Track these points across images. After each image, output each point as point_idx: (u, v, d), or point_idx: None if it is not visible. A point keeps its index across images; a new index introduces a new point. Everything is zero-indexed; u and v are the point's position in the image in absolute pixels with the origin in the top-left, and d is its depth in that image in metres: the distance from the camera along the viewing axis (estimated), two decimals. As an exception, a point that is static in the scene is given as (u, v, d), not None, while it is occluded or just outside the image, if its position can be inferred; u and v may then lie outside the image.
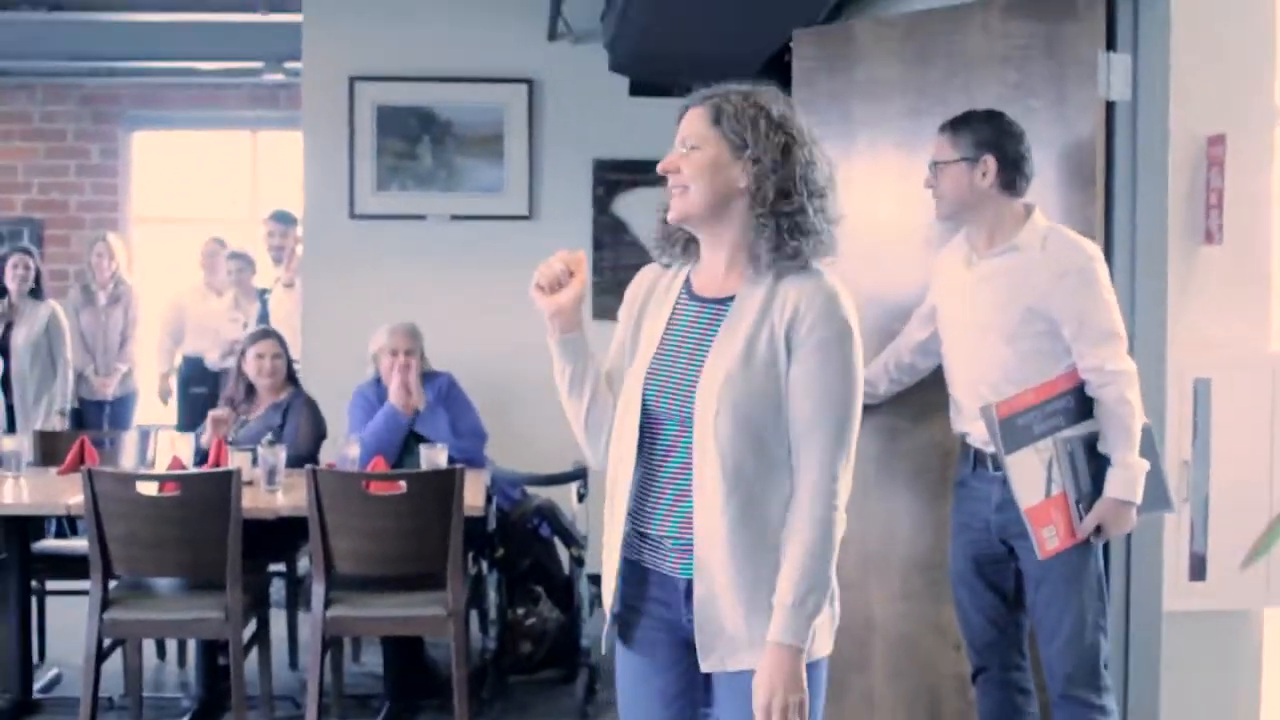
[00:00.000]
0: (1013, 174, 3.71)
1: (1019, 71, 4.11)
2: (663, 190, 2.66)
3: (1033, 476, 3.61)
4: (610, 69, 6.89)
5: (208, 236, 8.85)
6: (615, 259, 7.08)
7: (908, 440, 4.28)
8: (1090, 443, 3.62)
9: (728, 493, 2.50)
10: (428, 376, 5.93)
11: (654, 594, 2.66)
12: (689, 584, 2.58)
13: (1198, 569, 4.27)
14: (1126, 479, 3.57)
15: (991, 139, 3.71)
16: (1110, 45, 4.00)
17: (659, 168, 2.62)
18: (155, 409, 8.83)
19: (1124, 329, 3.63)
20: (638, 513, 2.65)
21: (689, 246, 2.71)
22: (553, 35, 6.97)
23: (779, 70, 5.26)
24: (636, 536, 2.67)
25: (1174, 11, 4.01)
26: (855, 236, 4.42)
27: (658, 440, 2.62)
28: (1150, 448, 3.68)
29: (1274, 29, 4.26)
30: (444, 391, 5.88)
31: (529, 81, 7.07)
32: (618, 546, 2.68)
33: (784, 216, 2.54)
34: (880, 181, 4.44)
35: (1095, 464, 3.62)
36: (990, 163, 3.69)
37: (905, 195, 4.33)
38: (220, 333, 8.19)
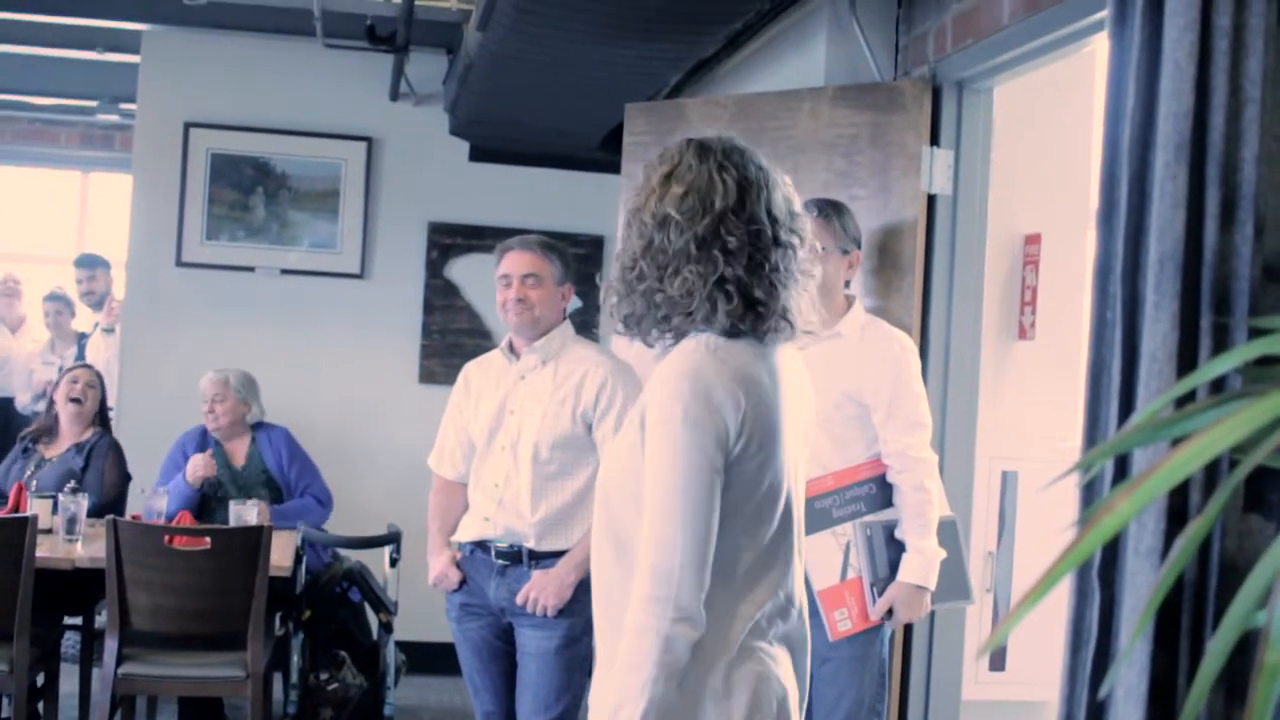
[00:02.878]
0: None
1: (845, 159, 4.19)
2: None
3: (828, 559, 3.66)
4: (450, 132, 6.89)
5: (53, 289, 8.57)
6: (445, 323, 7.03)
7: None
8: (890, 529, 3.69)
9: (593, 573, 2.35)
10: (260, 427, 5.85)
11: None
12: None
13: (998, 659, 4.35)
14: (920, 564, 3.62)
15: (858, 232, 3.81)
16: (934, 140, 4.09)
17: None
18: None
19: (929, 420, 3.70)
20: None
21: None
22: (394, 95, 6.94)
23: (617, 142, 5.30)
24: None
25: (996, 112, 4.13)
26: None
27: None
28: (953, 539, 3.76)
29: (1091, 134, 4.40)
30: (278, 445, 5.79)
31: (368, 139, 7.01)
32: None
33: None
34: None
35: (894, 550, 3.68)
36: (858, 256, 3.80)
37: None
38: (34, 375, 7.93)
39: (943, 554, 3.66)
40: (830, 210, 3.76)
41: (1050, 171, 4.41)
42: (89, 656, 5.59)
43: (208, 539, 4.72)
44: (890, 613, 3.66)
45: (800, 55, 4.79)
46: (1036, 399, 4.37)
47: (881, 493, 3.70)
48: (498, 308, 3.97)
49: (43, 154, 9.77)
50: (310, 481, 5.77)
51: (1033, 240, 4.40)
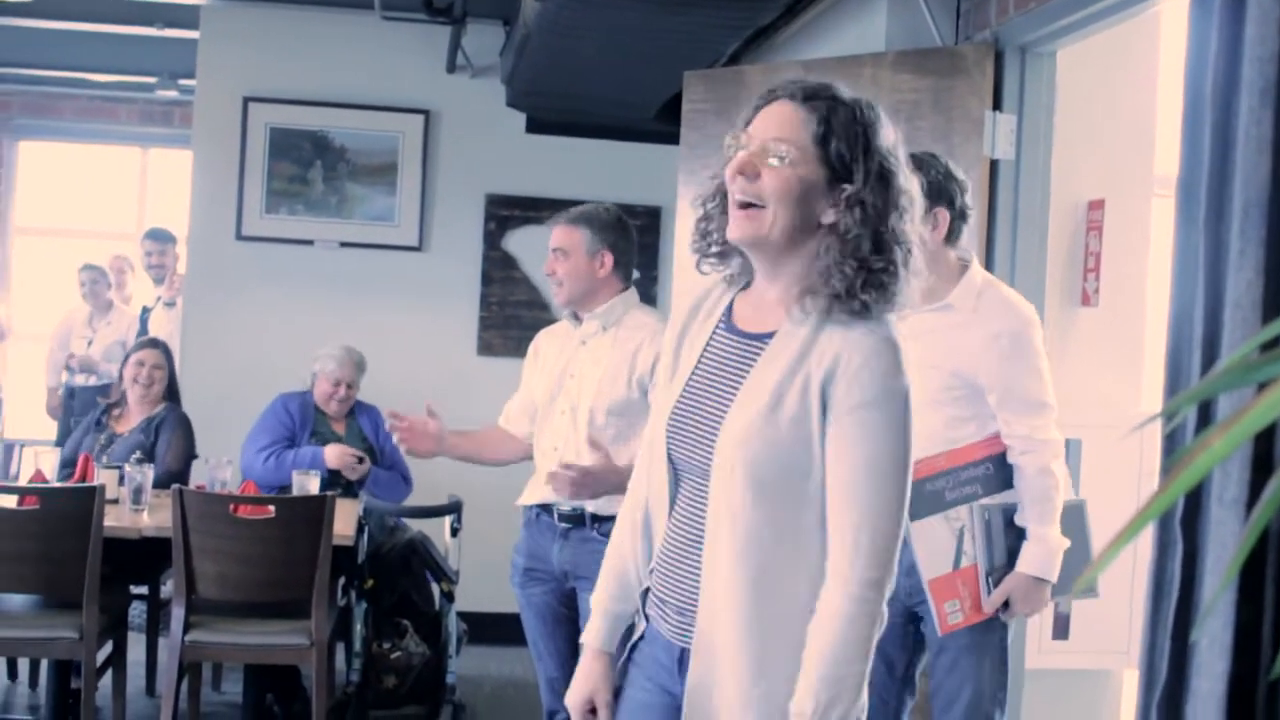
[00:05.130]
0: (959, 224, 3.44)
1: (907, 124, 4.14)
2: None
3: (940, 546, 3.39)
4: (507, 104, 6.89)
5: (88, 261, 8.66)
6: (503, 295, 7.05)
7: None
8: (1010, 514, 3.39)
9: (737, 561, 2.12)
10: (360, 406, 5.98)
11: (651, 651, 2.33)
12: (683, 653, 2.23)
13: (1061, 628, 4.32)
14: (1040, 554, 3.33)
15: (943, 188, 3.40)
16: (997, 105, 4.06)
17: (733, 168, 2.14)
18: (29, 421, 8.63)
19: (1053, 399, 3.40)
20: (656, 567, 2.32)
21: (744, 265, 2.27)
22: (451, 68, 6.95)
23: (674, 112, 5.29)
24: (654, 592, 2.33)
25: (1059, 76, 4.09)
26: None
27: (677, 489, 2.26)
28: (1080, 526, 3.48)
29: (1155, 99, 4.36)
30: (375, 418, 5.91)
31: (425, 112, 7.03)
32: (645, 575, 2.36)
33: (869, 271, 2.10)
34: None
35: (1013, 537, 3.38)
36: (943, 215, 3.39)
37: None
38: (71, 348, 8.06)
39: (1066, 544, 3.36)
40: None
41: (1114, 136, 4.37)
42: (155, 625, 5.67)
43: (271, 508, 4.76)
44: (1007, 605, 3.37)
45: (860, 21, 4.77)
46: (1101, 366, 4.33)
47: (1000, 473, 3.39)
48: None
49: (103, 130, 9.89)
50: (398, 457, 5.86)
51: (1096, 206, 4.36)
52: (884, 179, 2.11)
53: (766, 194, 2.10)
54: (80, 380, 7.95)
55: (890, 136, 2.16)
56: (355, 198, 7.01)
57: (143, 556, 5.11)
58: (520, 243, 7.08)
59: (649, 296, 6.74)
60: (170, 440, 5.65)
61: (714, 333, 2.27)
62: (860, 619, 2.08)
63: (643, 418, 3.76)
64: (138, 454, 5.31)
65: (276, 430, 5.74)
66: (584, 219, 3.95)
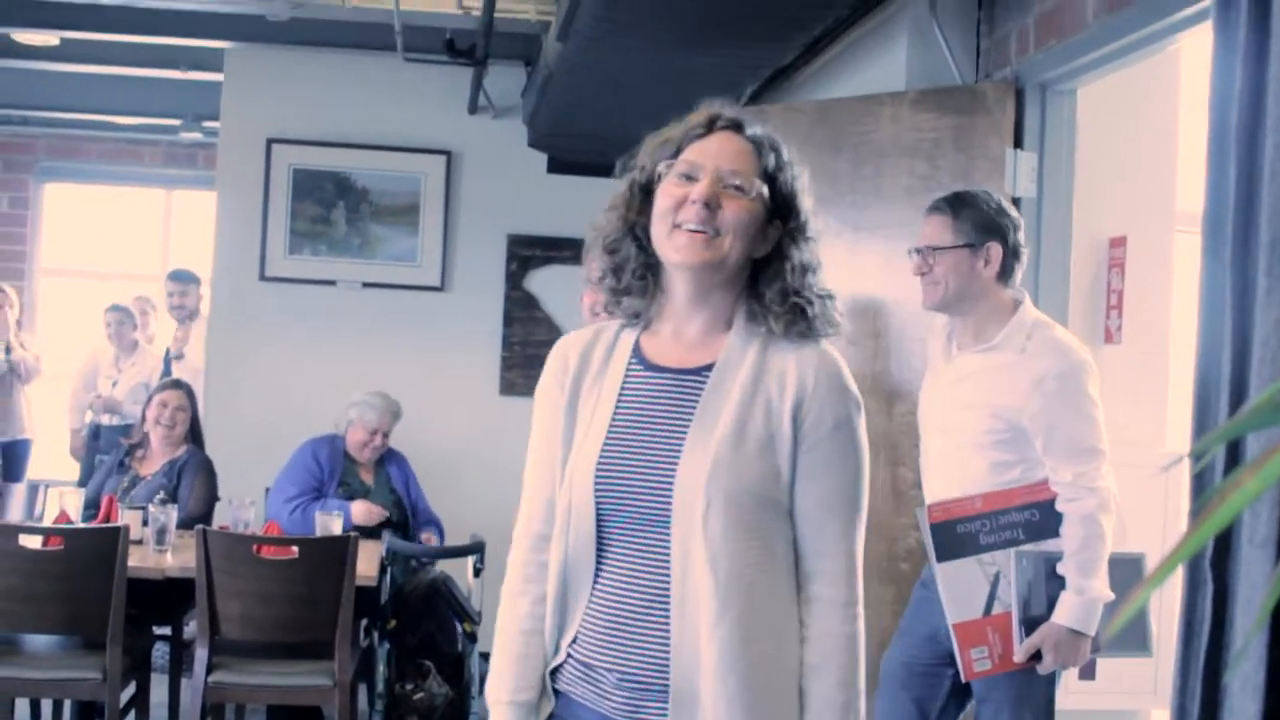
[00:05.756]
0: (1011, 262, 3.39)
1: (928, 163, 4.16)
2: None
3: (970, 590, 3.30)
4: (529, 144, 6.92)
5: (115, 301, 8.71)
6: (526, 335, 7.07)
7: (903, 543, 4.20)
8: (1054, 562, 3.27)
9: (721, 609, 1.99)
10: (390, 454, 6.00)
11: None
12: None
13: (1088, 668, 4.28)
14: (1077, 606, 3.20)
15: (994, 223, 3.38)
16: (1018, 143, 4.06)
17: (698, 198, 2.06)
18: (54, 462, 8.65)
19: (1105, 444, 3.27)
20: (582, 637, 2.13)
21: (649, 305, 2.18)
22: (473, 109, 6.99)
23: (695, 153, 5.30)
24: (578, 664, 2.14)
25: (1080, 114, 4.09)
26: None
27: (608, 549, 2.09)
28: (1136, 580, 3.36)
29: (1176, 135, 4.36)
30: (405, 470, 5.94)
31: (447, 153, 7.07)
32: (539, 668, 2.18)
33: (814, 298, 2.11)
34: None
35: (1056, 587, 3.25)
36: (995, 251, 3.36)
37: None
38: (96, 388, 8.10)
39: (1110, 597, 3.22)
40: (945, 204, 3.45)
41: (1135, 172, 4.36)
42: (178, 666, 5.66)
43: (295, 548, 4.76)
44: (1039, 655, 3.25)
45: (879, 61, 4.78)
46: (1124, 404, 4.31)
47: (1047, 520, 3.26)
48: None
49: (128, 172, 9.97)
50: (426, 506, 5.88)
51: (1118, 243, 4.35)
52: (809, 214, 2.15)
53: (726, 224, 2.06)
54: (105, 420, 7.98)
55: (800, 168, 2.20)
56: (378, 238, 7.04)
57: (166, 597, 5.11)
58: (542, 282, 7.10)
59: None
60: (193, 484, 5.65)
61: (628, 374, 2.15)
62: (860, 639, 2.06)
63: None
64: (161, 494, 5.32)
65: (305, 481, 5.73)
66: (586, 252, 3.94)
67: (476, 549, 5.54)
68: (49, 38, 7.22)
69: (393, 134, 7.05)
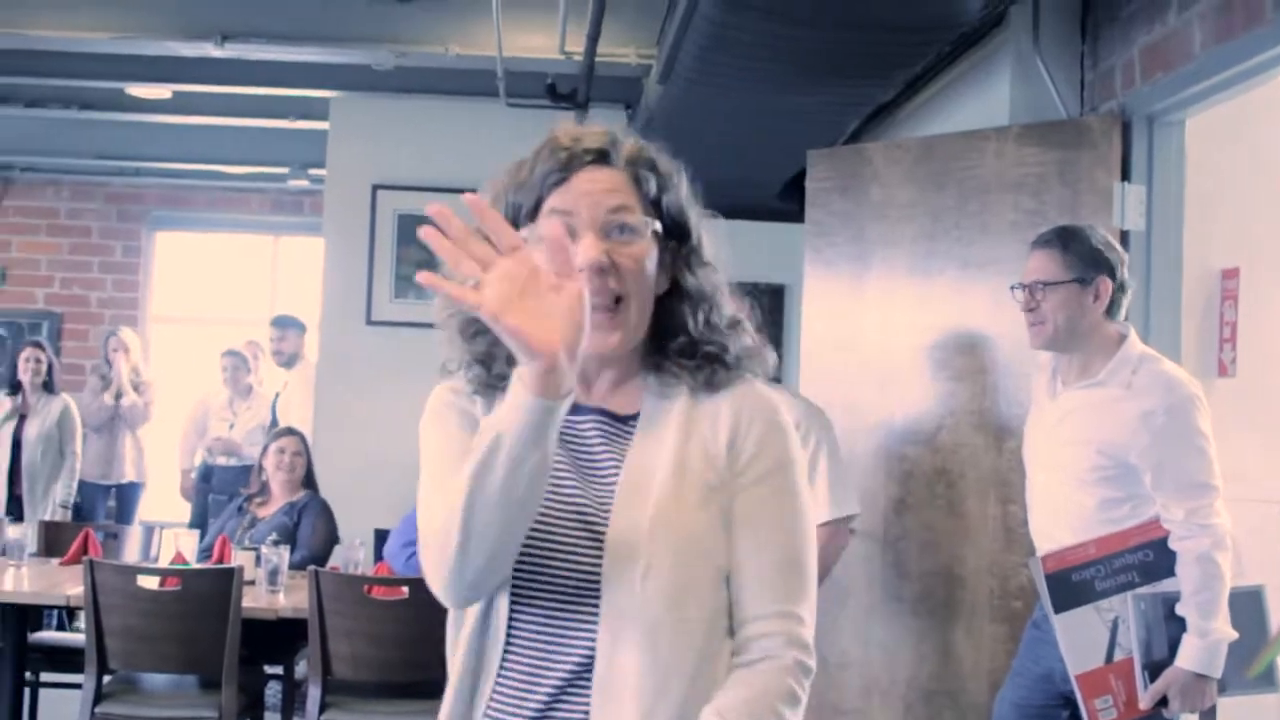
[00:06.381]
0: (1120, 296, 3.36)
1: (1033, 198, 4.13)
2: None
3: (1091, 639, 3.23)
4: (630, 186, 6.95)
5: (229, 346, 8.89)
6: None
7: (914, 566, 4.25)
8: (1171, 603, 3.18)
9: (656, 695, 1.64)
10: None
11: None
12: None
13: (1208, 713, 4.20)
14: (1200, 649, 3.11)
15: (1103, 257, 3.34)
16: (1125, 175, 4.03)
17: (585, 258, 1.67)
18: (164, 503, 8.83)
19: (1218, 479, 3.19)
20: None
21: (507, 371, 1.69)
22: (574, 151, 7.04)
23: (796, 192, 5.32)
24: None
25: (1188, 145, 4.05)
26: (867, 360, 4.49)
27: (521, 620, 1.70)
28: (1258, 615, 3.29)
29: (1288, 164, 4.30)
30: None
31: (550, 196, 7.12)
32: None
33: (730, 328, 1.82)
34: (894, 304, 4.46)
35: (1176, 628, 3.16)
36: (1105, 286, 3.32)
37: (917, 318, 4.34)
38: (210, 431, 8.26)
39: (1233, 636, 3.13)
40: (1054, 238, 3.40)
41: (1246, 202, 4.31)
42: (290, 704, 5.72)
43: (405, 589, 4.80)
44: (1165, 701, 3.17)
45: (981, 96, 4.76)
46: (1239, 438, 4.24)
47: (1162, 560, 3.18)
48: None
49: (236, 220, 10.16)
50: None
51: (1230, 275, 4.29)
52: (699, 228, 1.83)
53: (629, 286, 1.71)
54: (222, 461, 8.14)
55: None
56: (482, 281, 7.10)
57: (278, 637, 5.18)
58: (643, 322, 7.12)
59: (775, 375, 6.71)
60: (314, 525, 5.75)
61: None
62: (810, 674, 1.71)
63: None
64: (274, 535, 5.40)
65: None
66: None
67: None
68: (162, 91, 7.40)
69: (494, 176, 7.10)
